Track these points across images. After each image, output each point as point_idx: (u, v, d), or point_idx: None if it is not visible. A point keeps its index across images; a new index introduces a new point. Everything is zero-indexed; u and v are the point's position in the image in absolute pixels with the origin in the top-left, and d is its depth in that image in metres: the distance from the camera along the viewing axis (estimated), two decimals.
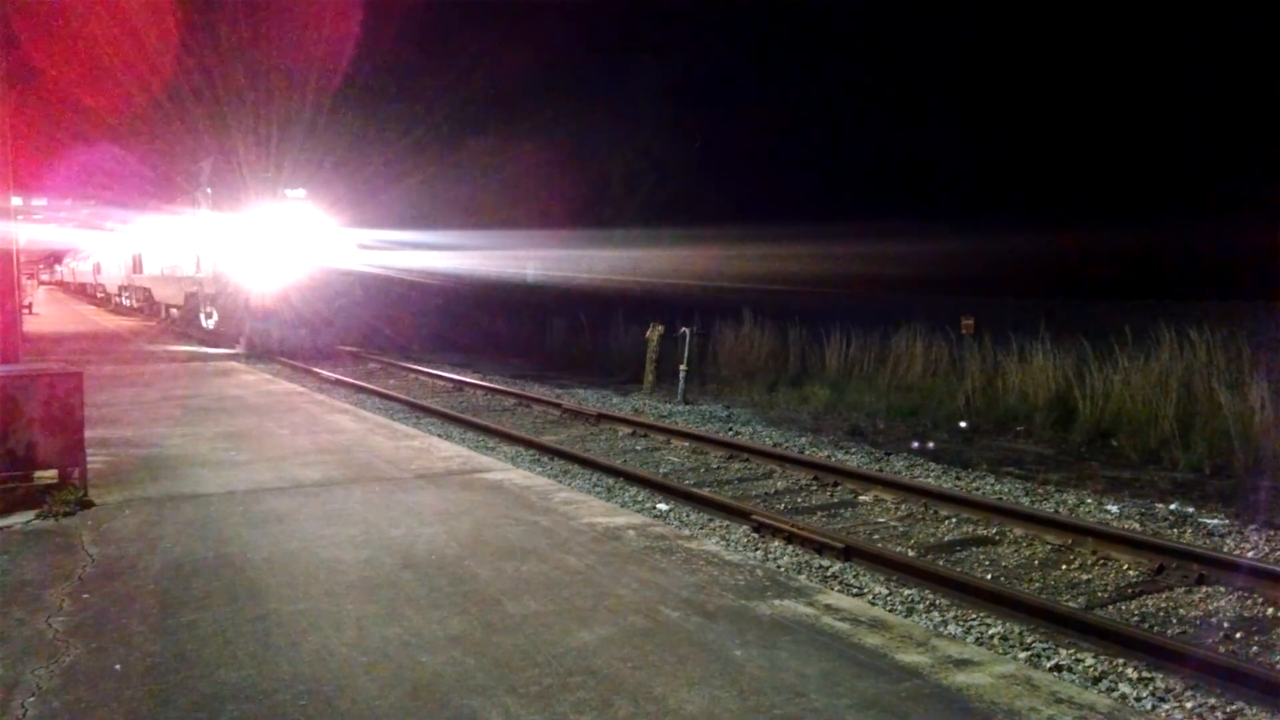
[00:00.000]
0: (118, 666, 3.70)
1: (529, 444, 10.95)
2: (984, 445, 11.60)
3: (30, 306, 33.15)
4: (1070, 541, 7.08)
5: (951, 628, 5.53)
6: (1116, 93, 28.72)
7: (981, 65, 30.28)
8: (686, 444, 11.07)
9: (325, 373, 17.42)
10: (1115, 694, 4.66)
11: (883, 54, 32.45)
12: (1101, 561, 6.75)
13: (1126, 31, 28.50)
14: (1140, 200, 27.04)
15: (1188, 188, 26.58)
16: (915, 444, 11.54)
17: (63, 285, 76.37)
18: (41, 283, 67.72)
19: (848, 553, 6.76)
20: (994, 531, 7.53)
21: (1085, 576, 6.55)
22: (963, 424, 12.50)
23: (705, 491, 8.65)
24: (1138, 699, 4.64)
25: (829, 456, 10.40)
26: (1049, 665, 4.98)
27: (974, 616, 5.71)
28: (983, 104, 30.27)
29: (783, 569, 6.37)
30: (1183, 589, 6.21)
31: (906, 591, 6.13)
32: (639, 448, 11.15)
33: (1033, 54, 29.82)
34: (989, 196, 28.96)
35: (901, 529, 7.76)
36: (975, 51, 30.61)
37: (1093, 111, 29.12)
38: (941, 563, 6.81)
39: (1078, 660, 5.05)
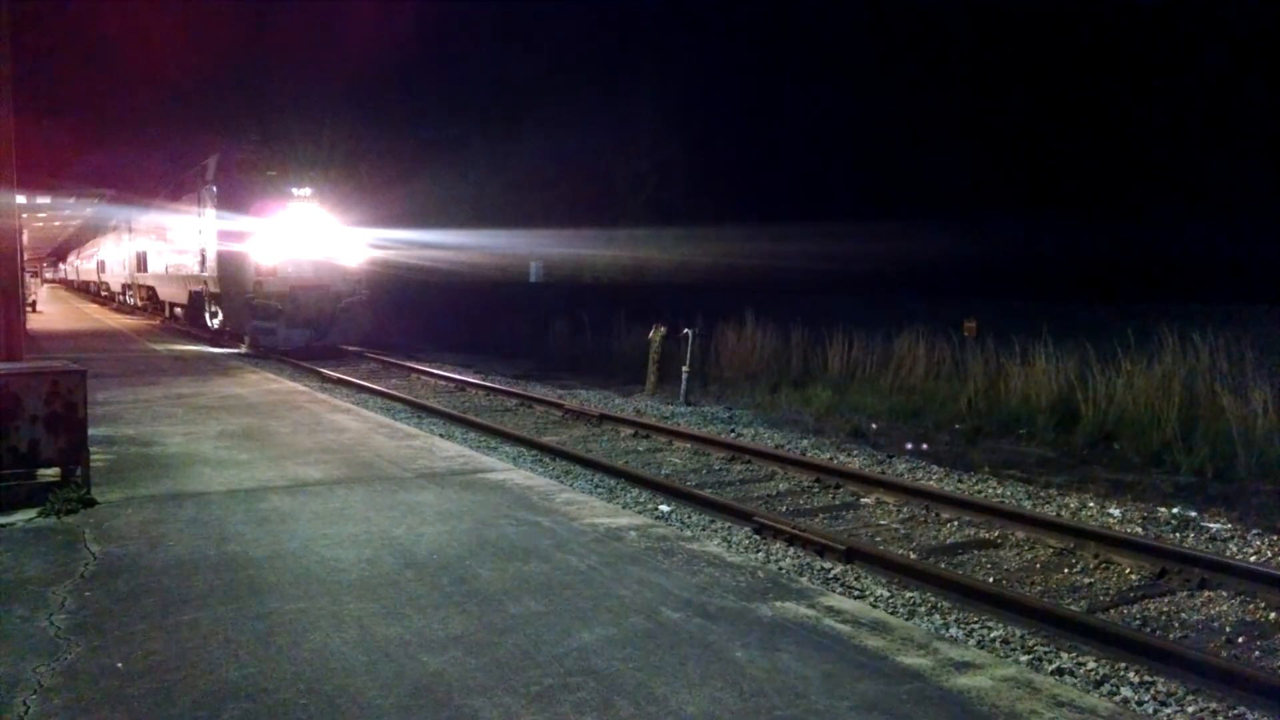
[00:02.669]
0: (119, 664, 3.70)
1: (531, 444, 10.95)
2: (986, 448, 11.58)
3: (34, 304, 33.19)
4: (1072, 545, 7.07)
5: (953, 630, 5.53)
6: (1121, 93, 28.69)
7: (985, 64, 30.25)
8: (688, 445, 11.07)
9: (328, 372, 17.43)
10: (1117, 698, 4.66)
11: (885, 53, 32.43)
12: (1103, 565, 6.74)
13: (1131, 30, 28.47)
14: (1144, 202, 27.01)
15: (1192, 190, 26.55)
16: (917, 446, 11.53)
17: (66, 283, 76.47)
18: (45, 280, 67.76)
19: (849, 555, 6.76)
20: (996, 534, 7.52)
21: (1087, 580, 6.54)
22: (957, 426, 12.47)
23: (707, 493, 8.65)
24: (1139, 703, 4.63)
25: (831, 459, 10.39)
26: (1051, 669, 4.97)
27: (975, 619, 5.71)
28: (986, 104, 30.24)
29: (784, 571, 6.36)
30: (1185, 593, 6.20)
31: (908, 594, 6.13)
32: (641, 449, 11.15)
33: (1036, 52, 29.78)
34: (992, 198, 28.92)
35: (903, 531, 7.75)
36: (978, 50, 30.59)
37: (1096, 112, 29.08)
38: (943, 565, 6.80)
39: (1079, 664, 5.05)
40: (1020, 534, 7.42)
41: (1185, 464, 10.07)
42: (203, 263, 22.46)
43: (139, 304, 34.98)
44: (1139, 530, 7.65)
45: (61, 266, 79.07)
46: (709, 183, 31.47)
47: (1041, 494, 8.86)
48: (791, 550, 7.03)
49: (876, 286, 25.48)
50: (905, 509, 8.28)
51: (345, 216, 20.82)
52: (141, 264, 31.76)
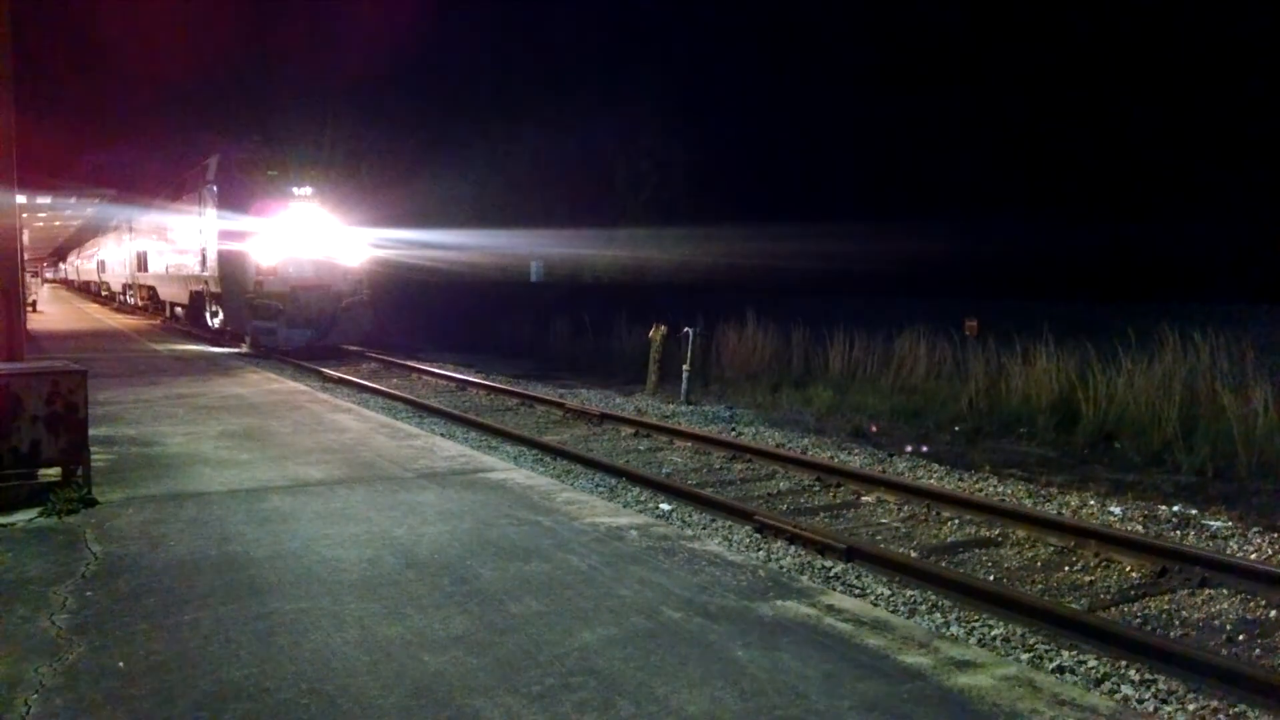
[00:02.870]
0: (121, 664, 3.70)
1: (532, 444, 10.96)
2: (987, 447, 11.59)
3: (34, 304, 33.20)
4: (1073, 543, 7.07)
5: (954, 629, 5.53)
6: (1120, 93, 28.67)
7: (985, 65, 30.24)
8: (689, 444, 11.07)
9: (329, 372, 17.43)
10: (1118, 696, 4.66)
11: (885, 53, 32.42)
12: (1104, 563, 6.74)
13: (1132, 29, 28.46)
14: (1144, 202, 27.00)
15: (1192, 189, 26.54)
16: (918, 446, 11.53)
17: (67, 283, 76.48)
18: (45, 280, 67.78)
19: (850, 554, 6.76)
20: (997, 533, 7.52)
21: (1088, 578, 6.54)
22: (957, 427, 12.47)
23: (708, 492, 8.65)
24: (1140, 701, 4.63)
25: (832, 458, 10.40)
26: (1051, 667, 4.98)
27: (976, 618, 5.71)
28: (986, 104, 30.23)
29: (785, 570, 6.37)
30: (1186, 591, 6.20)
31: (909, 593, 6.13)
32: (642, 448, 11.15)
33: (1036, 53, 29.78)
34: (992, 197, 28.92)
35: (904, 530, 7.75)
36: (979, 51, 30.58)
37: (1096, 112, 29.07)
38: (944, 564, 6.80)
39: (1080, 662, 5.05)
40: (1021, 533, 7.42)
41: (1186, 463, 10.07)
42: (203, 262, 22.45)
43: (139, 304, 34.97)
44: (1140, 529, 7.65)
45: (62, 266, 79.02)
46: (710, 182, 31.46)
47: (1042, 493, 8.86)
48: (792, 549, 7.03)
49: (877, 286, 25.47)
50: (906, 508, 8.28)
51: (346, 216, 20.82)
52: (142, 264, 31.75)
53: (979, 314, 16.55)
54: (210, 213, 21.47)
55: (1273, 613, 5.84)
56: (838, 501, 8.63)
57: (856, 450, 10.98)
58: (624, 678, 3.62)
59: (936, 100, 31.01)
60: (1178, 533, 7.58)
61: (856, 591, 6.10)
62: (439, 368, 18.57)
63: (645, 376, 16.28)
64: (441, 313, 27.70)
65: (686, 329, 15.31)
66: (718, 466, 10.12)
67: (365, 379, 16.88)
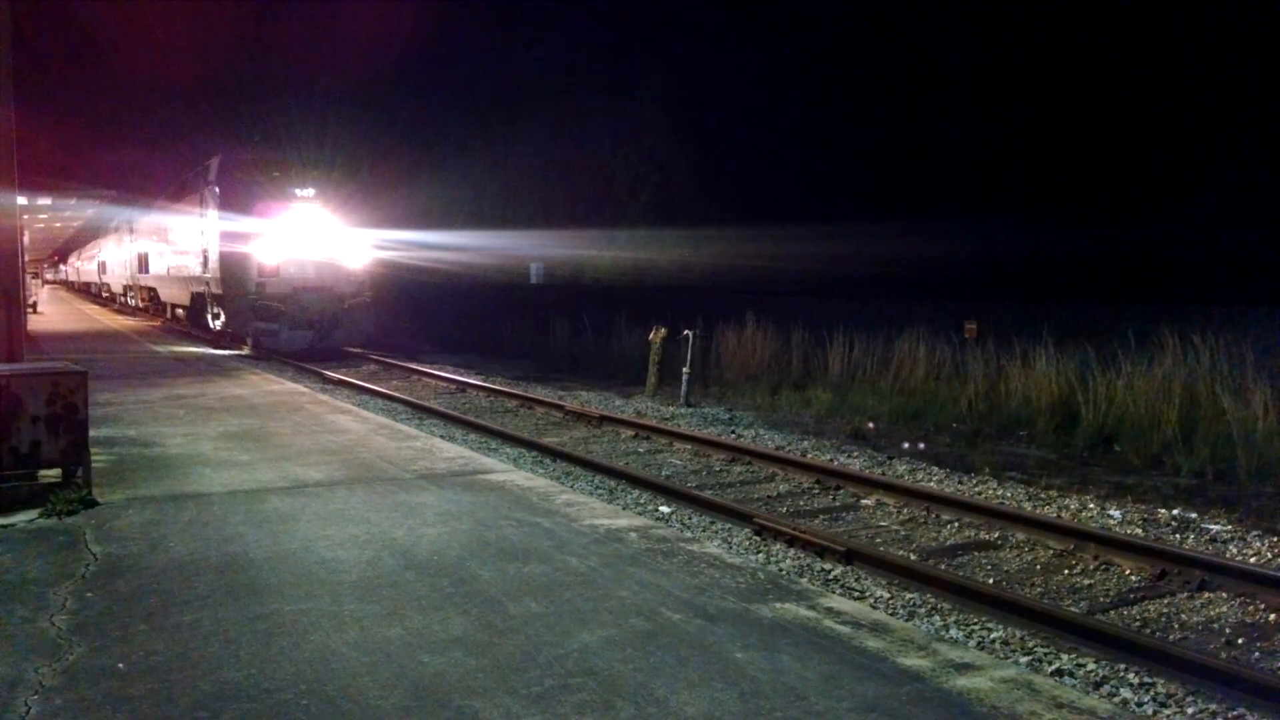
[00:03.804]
0: (120, 665, 3.71)
1: (531, 445, 10.96)
2: (986, 449, 11.59)
3: (34, 305, 33.20)
4: (1072, 546, 7.08)
5: (953, 632, 5.53)
6: (1120, 92, 28.70)
7: (984, 64, 30.27)
8: (689, 447, 11.07)
9: (329, 373, 17.43)
10: (1116, 699, 4.66)
11: (885, 54, 32.45)
12: (1103, 566, 6.75)
13: (1130, 30, 28.48)
14: (1144, 203, 27.02)
15: (1191, 190, 26.56)
16: (918, 448, 11.54)
17: (67, 285, 76.50)
18: (45, 282, 67.78)
19: (849, 556, 6.76)
20: (996, 536, 7.52)
21: (1087, 581, 6.55)
22: (958, 428, 12.48)
23: (707, 494, 8.66)
24: (1139, 704, 4.63)
25: (831, 460, 10.40)
26: (1050, 670, 4.98)
27: (975, 621, 5.71)
28: (985, 104, 30.26)
29: (784, 572, 6.37)
30: (1185, 594, 6.20)
31: (908, 595, 6.13)
32: (641, 450, 11.15)
33: (1036, 53, 29.80)
34: (992, 199, 28.93)
35: (903, 533, 7.75)
36: (978, 51, 30.61)
37: (1096, 112, 29.10)
38: (943, 567, 6.80)
39: (1079, 665, 5.05)
40: (1020, 535, 7.43)
41: (1185, 466, 10.07)
42: (205, 264, 22.45)
43: (140, 305, 34.97)
44: (1139, 532, 7.65)
45: (62, 268, 79.08)
46: (709, 184, 31.47)
47: (1042, 495, 8.86)
48: (792, 551, 7.04)
49: (877, 288, 25.48)
50: (905, 510, 8.29)
51: (348, 217, 20.83)
52: (143, 265, 31.74)
53: (978, 316, 16.55)
54: (212, 214, 21.47)
55: (1272, 616, 5.84)
56: (837, 504, 8.63)
57: (856, 452, 10.98)
58: (623, 679, 3.63)
59: (936, 100, 31.05)
60: (1177, 536, 7.58)
61: (856, 594, 6.10)
62: (439, 369, 18.58)
63: (645, 378, 16.28)
64: (442, 314, 27.71)
65: (686, 331, 15.31)
66: (717, 469, 10.13)
67: (365, 380, 16.88)
